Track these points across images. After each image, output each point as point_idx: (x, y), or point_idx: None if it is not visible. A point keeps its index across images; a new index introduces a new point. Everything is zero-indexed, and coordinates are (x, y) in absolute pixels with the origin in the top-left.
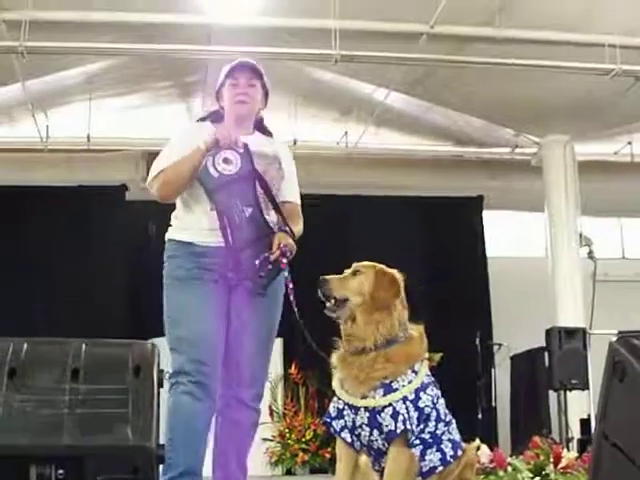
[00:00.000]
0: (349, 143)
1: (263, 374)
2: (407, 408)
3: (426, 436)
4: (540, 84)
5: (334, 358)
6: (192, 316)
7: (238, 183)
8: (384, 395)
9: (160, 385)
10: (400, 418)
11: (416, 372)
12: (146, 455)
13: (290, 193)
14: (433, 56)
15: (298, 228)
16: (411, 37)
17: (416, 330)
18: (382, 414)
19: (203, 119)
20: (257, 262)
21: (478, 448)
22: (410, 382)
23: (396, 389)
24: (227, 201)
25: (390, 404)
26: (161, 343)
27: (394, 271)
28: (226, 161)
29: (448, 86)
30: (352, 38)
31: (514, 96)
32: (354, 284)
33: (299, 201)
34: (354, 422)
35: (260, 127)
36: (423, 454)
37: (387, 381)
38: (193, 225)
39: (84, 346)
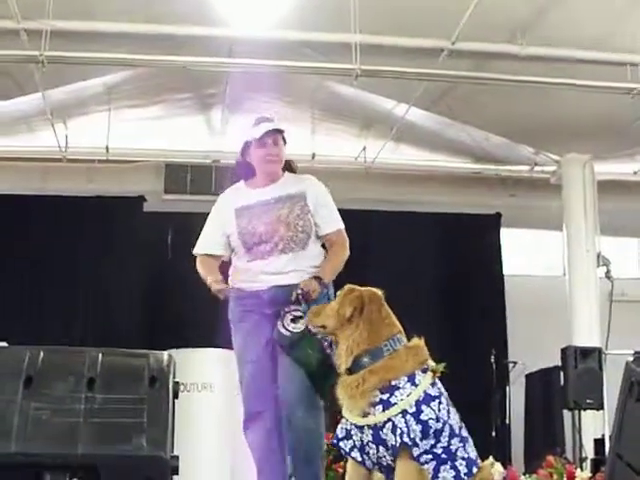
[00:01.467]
0: (367, 158)
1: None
2: (407, 422)
3: (438, 451)
4: (561, 102)
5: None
6: (241, 361)
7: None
8: (383, 411)
9: (175, 396)
10: (398, 432)
11: (416, 384)
12: (160, 465)
13: (327, 225)
14: (454, 72)
15: (340, 257)
16: (432, 53)
17: (413, 342)
18: (384, 430)
19: (236, 179)
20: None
21: (492, 466)
22: (409, 395)
23: (394, 403)
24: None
25: (389, 419)
26: (177, 355)
27: (363, 289)
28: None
29: (468, 102)
30: (373, 53)
31: (534, 113)
32: (327, 310)
33: (339, 227)
34: (362, 441)
35: (287, 167)
36: (436, 470)
37: (385, 397)
38: (234, 274)
39: (100, 355)
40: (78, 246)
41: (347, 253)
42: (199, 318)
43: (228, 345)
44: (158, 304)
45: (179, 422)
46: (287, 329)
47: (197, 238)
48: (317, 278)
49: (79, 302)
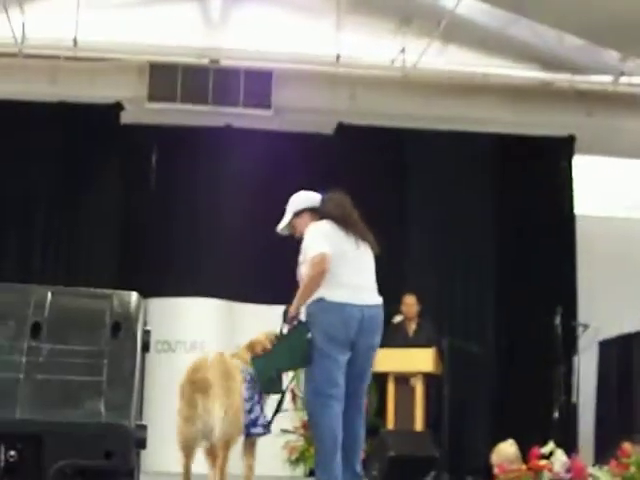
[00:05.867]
0: (406, 62)
1: None
2: None
3: None
4: None
5: None
6: None
7: None
8: None
9: (145, 349)
10: None
11: None
12: (122, 437)
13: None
14: None
15: (300, 291)
16: None
17: None
18: None
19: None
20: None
21: (551, 454)
22: None
23: None
24: None
25: None
26: (161, 305)
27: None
28: None
29: None
30: None
31: (623, 9)
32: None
33: (306, 258)
34: None
35: None
36: None
37: None
38: None
39: (50, 295)
40: (35, 164)
41: (307, 281)
42: (189, 261)
43: (224, 294)
44: (138, 243)
45: (157, 388)
46: None
47: (190, 160)
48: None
49: (39, 233)
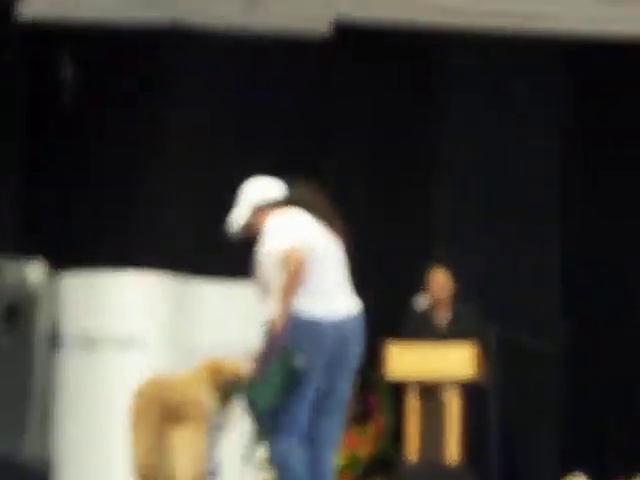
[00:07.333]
0: None
1: None
2: None
3: None
4: None
5: None
6: None
7: None
8: None
9: (55, 346)
10: None
11: None
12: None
13: None
14: None
15: None
16: None
17: None
18: None
19: None
20: None
21: None
22: None
23: None
24: None
25: None
26: (80, 283)
27: None
28: None
29: None
30: None
31: None
32: None
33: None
34: None
35: None
36: None
37: None
38: None
39: None
40: None
41: (286, 283)
42: (119, 218)
43: (173, 265)
44: (45, 190)
45: (76, 403)
46: None
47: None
48: None
49: None
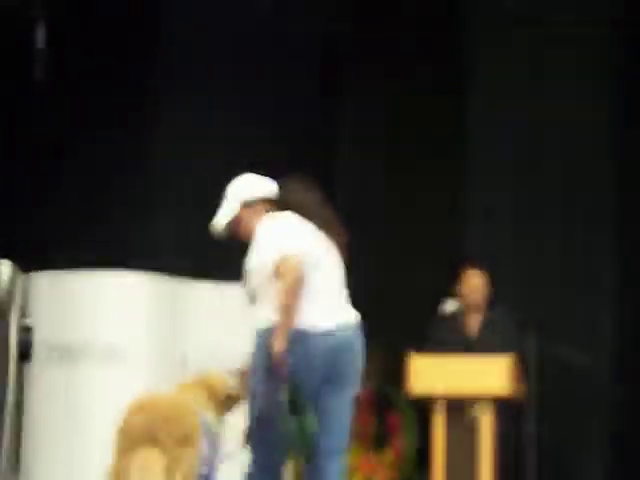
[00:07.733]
0: None
1: None
2: None
3: None
4: None
5: None
6: None
7: None
8: None
9: (24, 357)
10: None
11: None
12: None
13: None
14: None
15: None
16: None
17: None
18: None
19: None
20: None
21: None
22: None
23: None
24: None
25: None
26: (48, 283)
27: None
28: None
29: None
30: None
31: None
32: None
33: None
34: None
35: None
36: None
37: None
38: None
39: None
40: None
41: (284, 296)
42: (101, 211)
43: (161, 266)
44: (15, 177)
45: (49, 421)
46: None
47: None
48: None
49: None
